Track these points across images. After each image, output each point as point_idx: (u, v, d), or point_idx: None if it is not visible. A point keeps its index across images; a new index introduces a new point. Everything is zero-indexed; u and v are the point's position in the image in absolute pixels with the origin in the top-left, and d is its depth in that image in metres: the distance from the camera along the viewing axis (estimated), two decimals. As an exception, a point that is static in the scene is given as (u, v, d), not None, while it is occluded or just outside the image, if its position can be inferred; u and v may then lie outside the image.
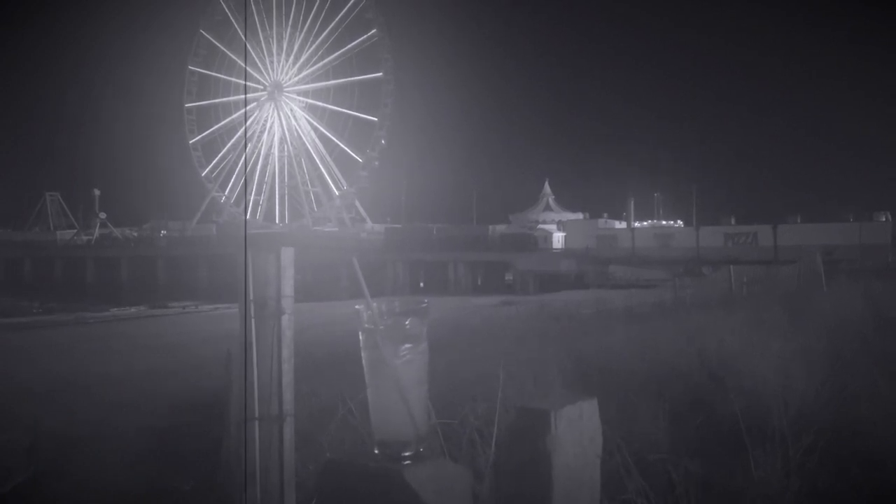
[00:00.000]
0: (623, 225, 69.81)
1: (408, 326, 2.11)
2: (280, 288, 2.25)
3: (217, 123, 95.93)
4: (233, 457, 3.39)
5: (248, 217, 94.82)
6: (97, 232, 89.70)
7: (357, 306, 2.12)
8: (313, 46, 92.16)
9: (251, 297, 2.22)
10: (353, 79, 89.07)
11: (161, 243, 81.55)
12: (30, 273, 73.30)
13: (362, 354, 2.10)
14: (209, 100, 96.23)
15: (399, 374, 1.99)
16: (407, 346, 2.10)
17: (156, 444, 7.89)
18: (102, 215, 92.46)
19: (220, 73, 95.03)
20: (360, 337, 2.11)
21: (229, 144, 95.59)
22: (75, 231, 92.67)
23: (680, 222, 74.64)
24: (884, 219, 55.63)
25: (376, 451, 2.10)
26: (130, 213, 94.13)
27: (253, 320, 2.23)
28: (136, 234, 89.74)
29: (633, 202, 71.45)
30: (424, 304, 2.12)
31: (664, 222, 79.29)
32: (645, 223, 75.12)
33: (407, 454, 2.05)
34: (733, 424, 3.89)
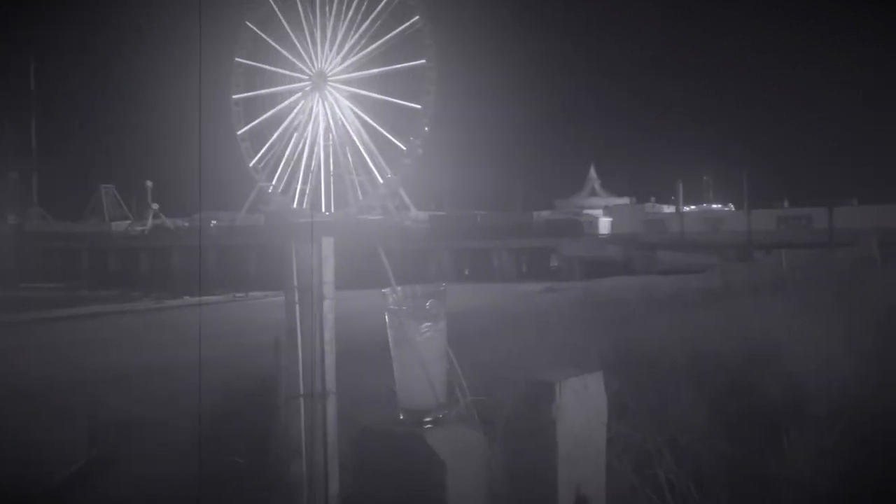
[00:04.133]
0: (671, 209, 68.71)
1: (428, 307, 2.36)
2: (322, 275, 2.40)
3: (263, 114, 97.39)
4: (283, 433, 3.60)
5: (294, 206, 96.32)
6: (150, 222, 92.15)
7: (383, 290, 2.33)
8: (356, 35, 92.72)
9: (295, 283, 2.38)
10: (396, 66, 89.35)
11: (211, 233, 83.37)
12: (87, 264, 75.73)
13: (388, 333, 2.33)
14: (256, 91, 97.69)
15: (420, 350, 2.23)
16: (427, 324, 2.35)
17: (210, 428, 8.17)
18: (155, 206, 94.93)
19: (266, 65, 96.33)
20: (386, 317, 2.33)
21: (276, 135, 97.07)
22: (129, 222, 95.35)
23: (731, 206, 73.10)
24: (947, 200, 53.55)
25: (402, 418, 2.34)
26: (181, 203, 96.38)
27: (297, 305, 2.40)
28: (187, 224, 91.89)
29: (681, 185, 70.22)
30: (443, 288, 2.35)
31: (714, 206, 77.76)
32: (694, 207, 73.80)
33: (428, 420, 2.31)
34: (771, 409, 3.89)
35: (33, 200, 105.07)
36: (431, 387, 2.22)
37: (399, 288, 2.36)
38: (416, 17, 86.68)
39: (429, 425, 2.26)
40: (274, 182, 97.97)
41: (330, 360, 2.41)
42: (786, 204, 59.91)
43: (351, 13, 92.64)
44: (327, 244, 2.42)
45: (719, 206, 76.95)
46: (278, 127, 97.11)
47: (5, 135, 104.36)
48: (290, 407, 2.39)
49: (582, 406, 2.14)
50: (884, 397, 4.49)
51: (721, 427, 4.00)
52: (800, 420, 3.76)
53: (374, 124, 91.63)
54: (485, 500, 2.12)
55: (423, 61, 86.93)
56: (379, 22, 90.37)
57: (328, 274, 2.42)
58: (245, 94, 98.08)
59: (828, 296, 10.09)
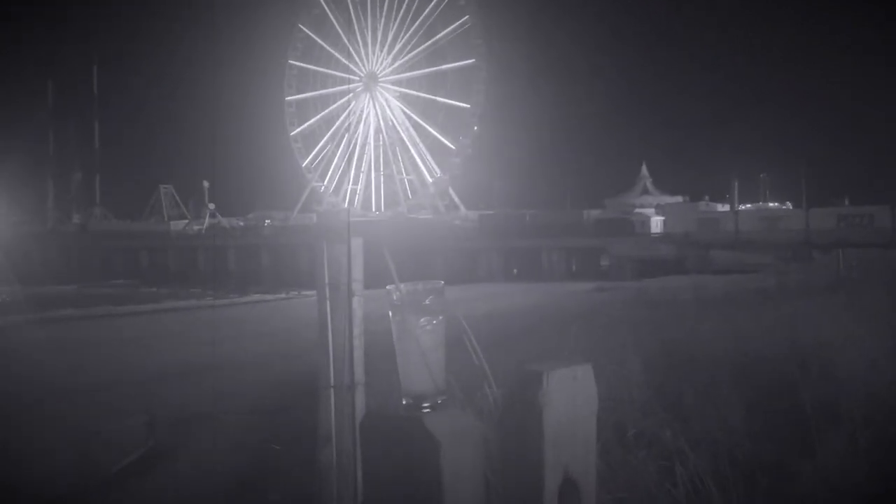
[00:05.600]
0: (726, 207, 67.22)
1: (427, 303, 2.57)
2: (351, 273, 2.55)
3: (316, 115, 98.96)
4: (315, 421, 3.80)
5: (345, 206, 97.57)
6: (207, 222, 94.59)
7: (388, 287, 2.51)
8: (407, 35, 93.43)
9: (326, 280, 2.53)
10: (446, 66, 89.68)
11: (265, 232, 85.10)
12: (146, 262, 78.18)
13: (392, 326, 2.50)
14: (308, 92, 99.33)
15: (420, 341, 2.39)
16: (426, 318, 2.55)
17: (262, 421, 8.46)
18: (212, 206, 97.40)
19: (319, 67, 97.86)
20: (390, 312, 2.51)
21: (327, 136, 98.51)
22: (187, 221, 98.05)
23: (789, 204, 71.13)
24: None
25: (404, 402, 2.48)
26: (237, 203, 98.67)
27: (328, 301, 2.55)
28: (242, 223, 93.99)
29: (736, 183, 68.62)
30: (441, 285, 2.51)
31: (771, 204, 75.79)
32: (749, 205, 72.05)
33: (427, 405, 2.53)
34: (808, 410, 3.87)
35: (96, 200, 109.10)
36: (430, 374, 2.41)
37: (402, 285, 2.54)
38: (466, 17, 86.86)
39: (427, 409, 2.45)
40: (325, 182, 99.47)
41: (358, 354, 2.57)
42: (846, 202, 57.95)
43: (401, 14, 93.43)
44: (356, 244, 2.57)
45: (776, 204, 74.93)
46: (330, 128, 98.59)
47: (70, 137, 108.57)
48: (320, 397, 2.54)
49: (570, 395, 2.26)
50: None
51: (755, 427, 4.00)
52: (834, 421, 3.74)
53: (424, 124, 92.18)
54: (479, 480, 2.27)
55: (472, 61, 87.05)
56: (429, 22, 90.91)
57: (357, 272, 2.57)
58: (298, 96, 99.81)
59: (882, 297, 9.81)
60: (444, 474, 2.06)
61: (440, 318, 2.49)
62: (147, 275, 68.69)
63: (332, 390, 2.55)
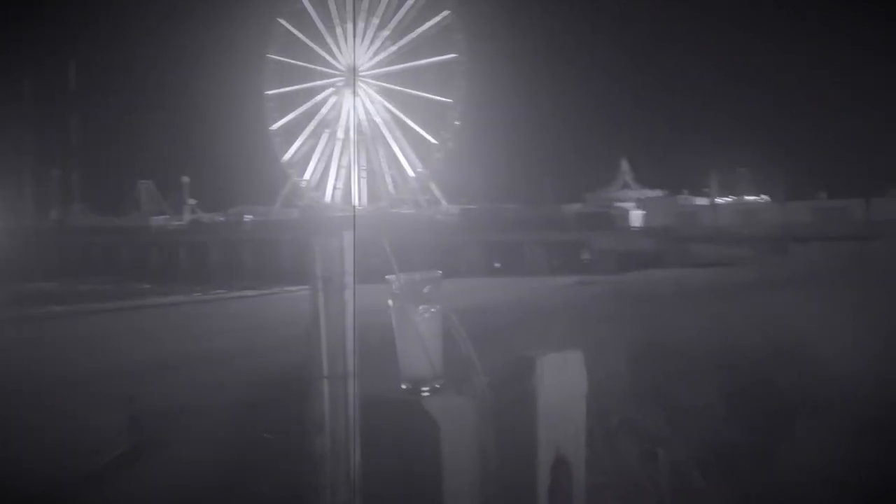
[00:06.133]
0: (705, 201, 67.87)
1: (426, 292, 2.66)
2: (343, 266, 2.62)
3: (296, 110, 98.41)
4: (308, 411, 3.87)
5: (327, 200, 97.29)
6: (187, 217, 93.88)
7: (388, 277, 2.58)
8: (387, 30, 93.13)
9: (319, 274, 2.60)
10: (427, 61, 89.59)
11: (246, 227, 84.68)
12: (126, 257, 77.51)
13: (392, 314, 2.57)
14: (288, 87, 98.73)
15: (419, 328, 2.46)
16: (424, 306, 2.66)
17: (246, 415, 8.46)
18: (192, 201, 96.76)
19: (299, 61, 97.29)
20: (390, 301, 2.58)
21: (308, 130, 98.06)
22: (167, 217, 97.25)
23: (767, 197, 71.93)
24: None
25: (403, 387, 2.54)
26: (217, 198, 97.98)
27: (321, 294, 2.62)
28: (222, 218, 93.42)
29: (715, 177, 69.28)
30: (438, 275, 2.60)
31: (749, 197, 76.57)
32: (728, 199, 72.77)
33: (425, 388, 2.57)
34: (787, 398, 3.98)
35: (74, 196, 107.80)
36: (429, 360, 2.49)
37: (401, 275, 2.61)
38: (447, 12, 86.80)
39: (426, 393, 2.49)
40: (307, 177, 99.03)
41: (350, 344, 2.64)
42: (823, 195, 58.77)
43: (382, 8, 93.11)
44: (348, 238, 2.65)
45: (754, 197, 75.73)
46: (310, 122, 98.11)
47: (47, 133, 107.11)
48: (314, 387, 2.62)
49: (561, 379, 2.36)
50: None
51: (734, 415, 4.11)
52: (813, 409, 3.86)
53: (406, 119, 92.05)
54: (475, 458, 2.36)
55: (454, 55, 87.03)
56: (410, 16, 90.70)
57: (349, 265, 2.64)
58: (277, 90, 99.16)
59: (858, 289, 10.02)
60: (443, 454, 2.16)
61: (438, 306, 2.57)
62: (127, 271, 68.08)
63: (325, 380, 2.62)
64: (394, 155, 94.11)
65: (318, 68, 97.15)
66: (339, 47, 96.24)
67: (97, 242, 79.73)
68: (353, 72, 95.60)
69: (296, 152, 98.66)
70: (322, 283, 2.63)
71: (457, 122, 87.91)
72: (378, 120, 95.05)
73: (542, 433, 2.25)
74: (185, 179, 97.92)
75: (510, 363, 2.40)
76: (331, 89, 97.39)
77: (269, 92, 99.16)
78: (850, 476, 3.59)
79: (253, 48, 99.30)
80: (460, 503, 2.29)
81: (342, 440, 2.53)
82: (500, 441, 2.41)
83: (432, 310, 2.59)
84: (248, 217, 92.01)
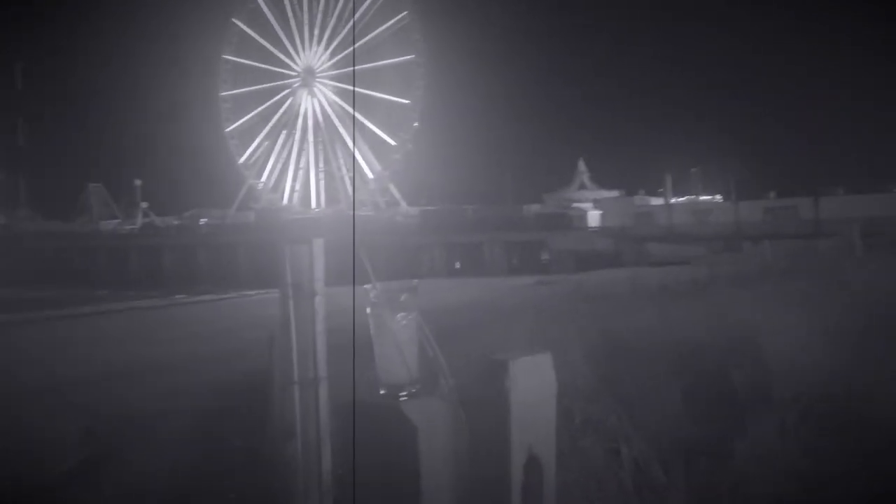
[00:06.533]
0: (660, 201, 69.09)
1: (402, 300, 2.73)
2: (313, 273, 2.63)
3: (252, 111, 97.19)
4: (277, 417, 3.87)
5: (284, 203, 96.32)
6: (140, 221, 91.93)
7: (366, 286, 2.62)
8: (345, 31, 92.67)
9: (289, 280, 2.61)
10: (385, 62, 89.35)
11: (201, 231, 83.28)
12: (76, 263, 75.49)
13: (370, 321, 2.61)
14: (243, 88, 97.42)
15: (396, 335, 2.51)
16: (402, 314, 2.74)
17: (206, 423, 8.34)
18: (144, 205, 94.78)
19: (254, 61, 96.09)
20: (368, 309, 2.62)
21: (264, 132, 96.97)
22: (118, 221, 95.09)
23: (719, 197, 73.55)
24: (930, 188, 54.26)
25: (381, 392, 2.59)
26: (171, 202, 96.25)
27: (291, 300, 2.63)
28: (176, 222, 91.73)
29: (670, 178, 70.60)
30: (415, 284, 2.66)
31: (702, 198, 78.20)
32: (682, 199, 74.21)
33: (403, 393, 2.61)
34: (741, 393, 4.11)
35: (20, 201, 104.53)
36: (406, 365, 2.54)
37: (379, 284, 2.65)
38: (405, 13, 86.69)
39: (404, 397, 2.54)
40: (263, 179, 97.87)
41: (321, 350, 2.66)
42: (773, 195, 60.38)
43: (339, 8, 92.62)
44: (318, 245, 2.66)
45: (707, 197, 77.40)
46: (267, 124, 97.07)
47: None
48: (285, 393, 2.63)
49: (532, 380, 2.43)
50: (848, 380, 4.74)
51: (691, 410, 4.23)
52: (765, 402, 4.00)
53: (364, 120, 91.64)
54: (451, 459, 2.41)
55: (412, 56, 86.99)
56: (367, 17, 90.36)
57: (319, 272, 2.66)
58: (233, 91, 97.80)
59: (808, 285, 10.36)
60: (421, 455, 2.21)
61: (414, 314, 2.62)
62: (78, 277, 66.25)
63: (296, 386, 2.63)
64: (352, 156, 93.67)
65: (275, 69, 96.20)
66: (295, 48, 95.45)
67: (45, 248, 77.35)
68: (310, 72, 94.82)
69: (252, 154, 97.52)
70: (292, 289, 2.64)
71: (416, 124, 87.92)
72: (336, 121, 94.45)
73: (515, 434, 2.32)
74: (138, 182, 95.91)
75: (483, 366, 2.46)
76: (287, 90, 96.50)
77: (224, 93, 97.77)
78: (801, 464, 3.74)
79: (207, 49, 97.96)
80: (438, 501, 2.34)
81: (314, 445, 2.55)
82: (475, 441, 2.47)
83: (409, 317, 2.64)
84: (203, 220, 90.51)
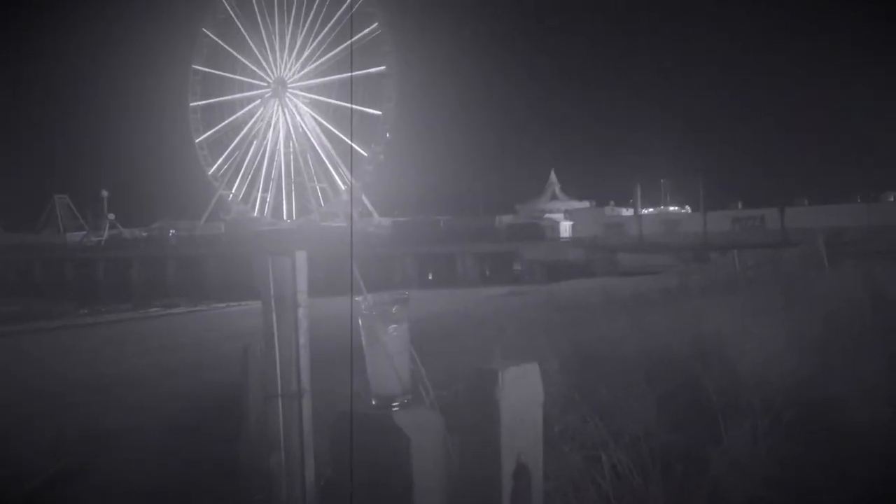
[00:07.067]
0: (630, 212, 69.87)
1: (394, 311, 2.85)
2: (296, 285, 2.66)
3: (222, 122, 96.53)
4: (253, 432, 3.87)
5: (255, 214, 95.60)
6: (107, 233, 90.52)
7: (357, 298, 2.66)
8: (316, 42, 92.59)
9: (272, 293, 2.63)
10: (356, 73, 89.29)
11: (170, 243, 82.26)
12: (41, 276, 74.03)
13: (362, 333, 2.66)
14: (213, 98, 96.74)
15: (388, 346, 2.58)
16: (394, 325, 2.83)
17: (176, 437, 8.25)
18: (111, 216, 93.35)
19: (224, 72, 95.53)
20: (360, 321, 2.67)
21: (235, 142, 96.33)
22: (85, 233, 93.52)
23: (688, 208, 74.63)
24: (892, 199, 55.67)
25: (373, 402, 2.66)
26: (139, 213, 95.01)
27: (274, 312, 2.65)
28: (145, 234, 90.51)
29: (639, 189, 71.46)
30: (406, 295, 2.71)
31: (671, 208, 79.29)
32: (651, 210, 75.16)
33: (395, 404, 2.80)
34: (713, 401, 4.20)
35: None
36: (398, 377, 2.61)
37: (370, 296, 2.70)
38: (375, 24, 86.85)
39: (396, 408, 2.61)
40: (234, 190, 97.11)
41: (305, 363, 2.68)
42: (740, 205, 61.46)
43: (310, 20, 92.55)
44: (300, 257, 2.69)
45: (676, 208, 78.52)
46: (237, 134, 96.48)
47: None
48: (268, 406, 2.64)
49: (521, 389, 2.49)
50: (818, 388, 4.86)
51: (666, 418, 4.31)
52: (737, 410, 4.09)
53: (336, 131, 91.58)
54: (443, 469, 2.46)
55: (383, 68, 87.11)
56: (338, 28, 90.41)
57: (302, 284, 2.69)
58: (203, 102, 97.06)
59: (775, 294, 10.56)
60: (413, 465, 2.25)
61: (405, 325, 2.68)
62: (41, 290, 64.90)
63: (279, 398, 2.64)
64: (324, 167, 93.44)
65: (245, 80, 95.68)
66: (266, 59, 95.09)
67: (8, 260, 75.66)
68: (281, 83, 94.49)
69: (222, 165, 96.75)
70: (275, 301, 2.66)
71: (388, 135, 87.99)
72: (307, 132, 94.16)
73: (504, 441, 2.37)
74: (105, 193, 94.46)
75: (473, 375, 2.52)
76: (258, 101, 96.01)
77: (194, 104, 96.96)
78: (772, 471, 3.83)
79: (177, 59, 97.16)
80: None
81: (297, 457, 2.56)
82: (465, 450, 2.52)
83: (401, 328, 2.71)
84: (172, 232, 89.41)
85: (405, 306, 2.74)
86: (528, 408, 2.52)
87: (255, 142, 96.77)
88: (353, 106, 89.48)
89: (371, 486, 2.42)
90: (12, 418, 9.55)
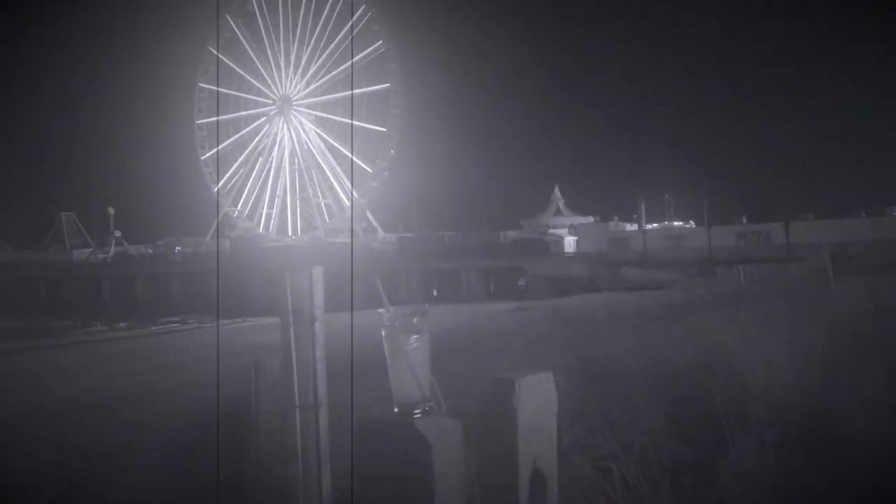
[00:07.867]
0: (634, 227, 69.84)
1: (415, 323, 2.97)
2: (313, 299, 2.75)
3: (227, 139, 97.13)
4: (263, 446, 3.94)
5: (260, 230, 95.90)
6: (113, 250, 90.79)
7: (379, 310, 2.77)
8: (321, 60, 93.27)
9: (290, 307, 2.72)
10: (361, 90, 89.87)
11: (176, 259, 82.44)
12: (46, 293, 74.18)
13: (384, 344, 2.77)
14: (219, 116, 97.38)
15: (410, 356, 2.69)
16: (415, 336, 2.95)
17: (181, 455, 8.28)
18: (117, 233, 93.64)
19: (230, 90, 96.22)
20: (383, 332, 2.78)
21: (240, 159, 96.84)
22: (91, 250, 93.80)
23: (692, 223, 74.58)
24: (896, 213, 55.60)
25: (396, 410, 2.75)
26: (145, 230, 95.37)
27: (292, 327, 2.74)
28: (150, 251, 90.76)
29: (643, 204, 71.46)
30: (426, 308, 2.81)
31: (676, 223, 79.25)
32: (656, 225, 75.12)
33: (417, 411, 2.89)
34: (720, 413, 4.25)
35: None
36: (419, 385, 2.71)
37: (392, 308, 2.80)
38: (380, 42, 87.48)
39: (417, 415, 2.70)
40: (239, 207, 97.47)
41: (321, 375, 2.77)
42: (744, 220, 61.40)
43: (315, 38, 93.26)
44: (317, 272, 2.78)
45: (680, 223, 78.49)
46: (243, 151, 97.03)
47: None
48: (285, 418, 2.72)
49: (536, 398, 2.57)
50: (827, 401, 4.90)
51: (673, 430, 4.35)
52: (744, 422, 4.13)
53: (340, 147, 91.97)
54: (462, 474, 2.53)
55: (388, 85, 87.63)
56: (343, 46, 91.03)
57: (318, 298, 2.78)
58: (209, 119, 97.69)
59: (780, 309, 10.59)
60: (435, 470, 2.32)
61: (426, 336, 2.78)
62: (47, 307, 65.06)
63: (297, 410, 2.72)
64: (329, 184, 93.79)
65: (251, 97, 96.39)
66: (271, 76, 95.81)
67: (14, 278, 75.79)
68: (286, 101, 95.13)
69: (228, 182, 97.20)
70: (292, 315, 2.74)
71: (392, 151, 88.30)
72: (312, 149, 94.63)
73: (521, 448, 2.45)
74: (111, 210, 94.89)
75: (491, 385, 2.62)
76: (263, 118, 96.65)
77: (200, 121, 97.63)
78: (778, 481, 3.86)
79: (183, 77, 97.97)
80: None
81: (315, 468, 2.63)
82: (484, 457, 2.59)
83: (422, 339, 2.80)
84: (178, 249, 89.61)
85: (426, 318, 2.84)
86: (544, 416, 2.61)
87: (260, 159, 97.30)
88: (358, 123, 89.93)
89: (391, 492, 2.49)
90: (18, 435, 9.60)
